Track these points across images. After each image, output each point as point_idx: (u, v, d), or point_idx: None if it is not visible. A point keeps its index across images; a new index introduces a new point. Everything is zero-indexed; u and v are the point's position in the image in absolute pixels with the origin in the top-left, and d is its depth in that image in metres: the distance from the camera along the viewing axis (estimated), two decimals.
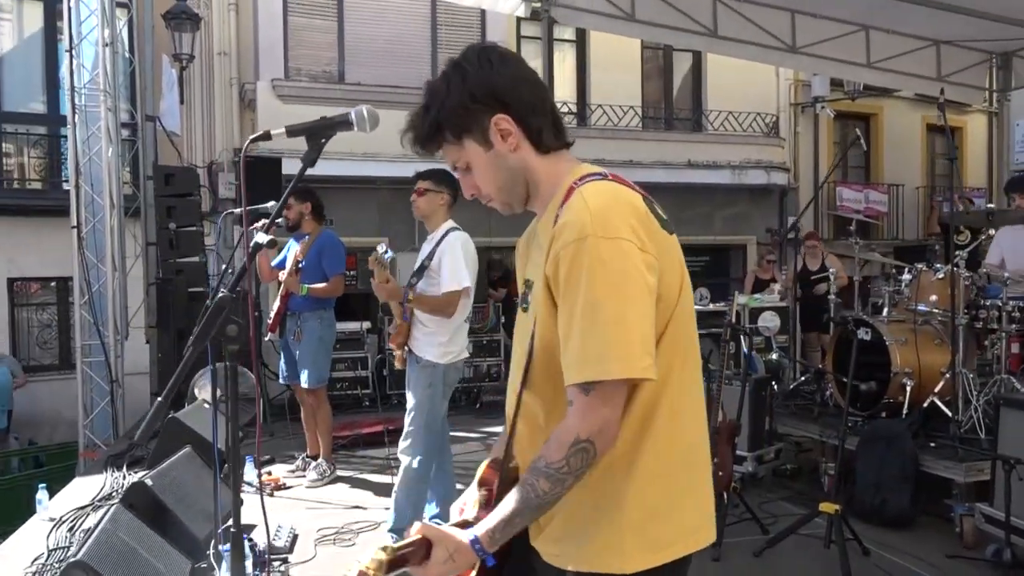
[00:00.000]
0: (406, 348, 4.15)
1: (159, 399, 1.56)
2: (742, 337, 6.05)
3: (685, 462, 1.50)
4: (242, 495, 4.80)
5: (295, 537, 4.33)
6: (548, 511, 1.45)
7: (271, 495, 5.09)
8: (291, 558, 4.06)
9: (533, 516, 1.45)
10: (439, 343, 4.05)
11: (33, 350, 11.24)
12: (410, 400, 4.09)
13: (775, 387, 5.80)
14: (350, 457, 6.15)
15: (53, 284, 11.18)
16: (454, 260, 3.97)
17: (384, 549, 1.34)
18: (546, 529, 1.53)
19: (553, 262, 1.42)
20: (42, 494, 4.66)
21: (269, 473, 5.49)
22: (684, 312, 1.50)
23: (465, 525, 1.49)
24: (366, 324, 8.76)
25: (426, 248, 4.17)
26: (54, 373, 10.84)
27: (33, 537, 4.18)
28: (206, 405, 5.54)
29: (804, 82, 13.45)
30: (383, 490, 4.96)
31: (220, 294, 1.57)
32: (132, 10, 9.28)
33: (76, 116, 7.27)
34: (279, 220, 5.21)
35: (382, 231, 11.47)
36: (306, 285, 5.21)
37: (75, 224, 7.22)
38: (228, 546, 3.43)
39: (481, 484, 1.59)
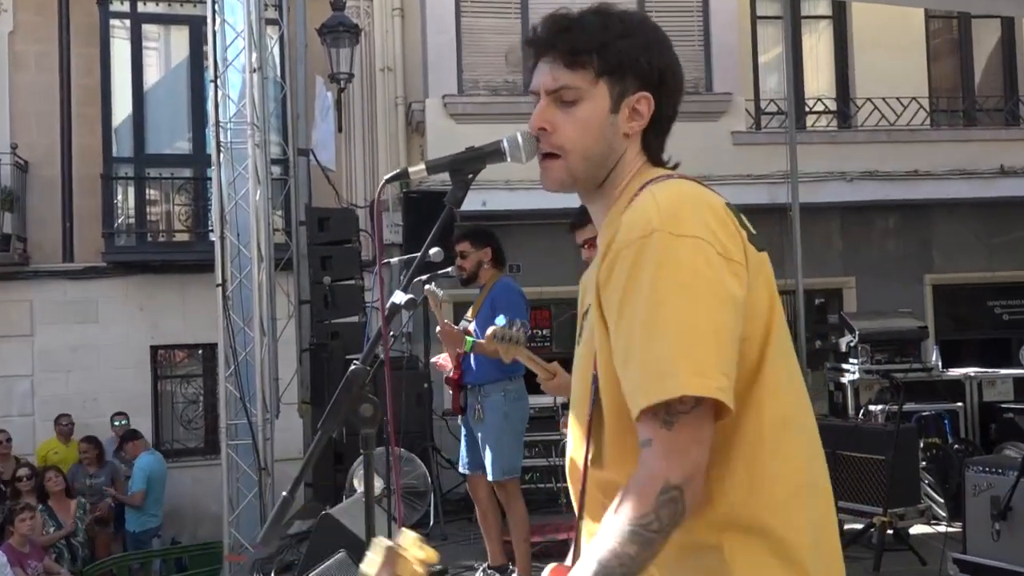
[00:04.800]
0: None
1: (283, 494, 1.68)
2: None
3: None
4: None
5: None
6: None
7: None
8: None
9: None
10: None
11: (177, 431, 12.21)
12: None
13: None
14: (540, 569, 6.18)
15: (200, 352, 12.16)
16: None
17: None
18: None
19: (608, 267, 1.45)
20: None
21: None
22: (780, 351, 1.51)
23: None
24: (561, 399, 8.84)
25: None
26: (199, 458, 11.73)
27: None
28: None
29: None
30: None
31: (352, 366, 1.68)
32: (283, 27, 10.06)
33: (221, 155, 7.95)
34: (451, 271, 5.48)
35: None
36: (470, 339, 5.18)
37: (220, 281, 7.84)
38: None
39: None
